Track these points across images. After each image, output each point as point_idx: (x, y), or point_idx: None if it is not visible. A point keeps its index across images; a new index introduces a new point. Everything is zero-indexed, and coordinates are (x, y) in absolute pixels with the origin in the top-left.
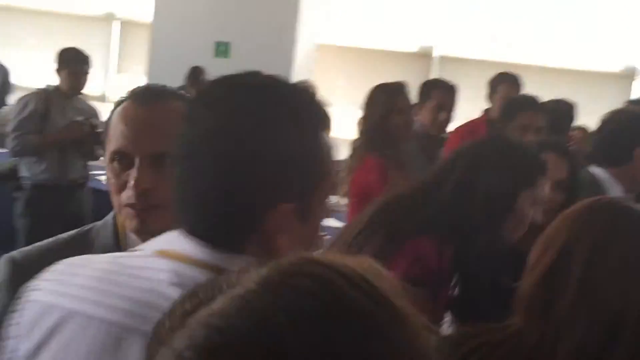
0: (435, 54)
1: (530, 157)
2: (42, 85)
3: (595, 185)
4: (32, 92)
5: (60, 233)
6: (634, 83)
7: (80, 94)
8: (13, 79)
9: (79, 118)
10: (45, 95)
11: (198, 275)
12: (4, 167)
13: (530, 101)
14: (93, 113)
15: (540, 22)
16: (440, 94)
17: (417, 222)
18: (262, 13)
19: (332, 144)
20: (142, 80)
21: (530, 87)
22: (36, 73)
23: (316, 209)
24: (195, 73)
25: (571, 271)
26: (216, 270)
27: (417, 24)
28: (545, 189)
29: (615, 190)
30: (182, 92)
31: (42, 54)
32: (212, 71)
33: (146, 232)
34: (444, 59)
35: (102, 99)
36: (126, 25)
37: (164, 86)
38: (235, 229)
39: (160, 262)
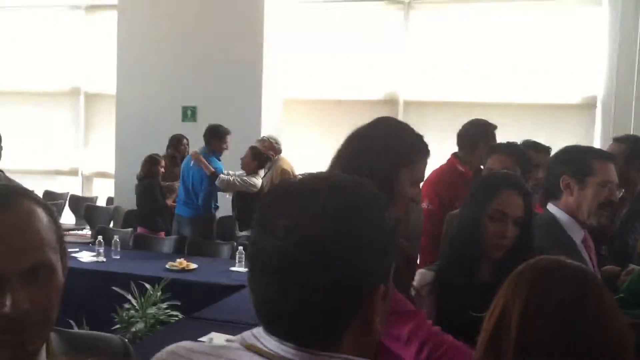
0: (401, 99)
1: (410, 137)
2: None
3: (555, 225)
4: None
5: None
6: (596, 112)
7: None
8: None
9: None
10: None
11: None
12: None
13: (502, 147)
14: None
15: (499, 60)
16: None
17: None
18: (226, 75)
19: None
20: (111, 151)
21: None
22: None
23: (390, 284)
24: (176, 140)
25: (509, 334)
26: None
27: (381, 72)
28: (424, 171)
29: (572, 227)
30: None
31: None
32: (181, 134)
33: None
34: (408, 104)
35: (72, 173)
36: (91, 98)
37: (6, 185)
38: (341, 320)
39: (254, 357)
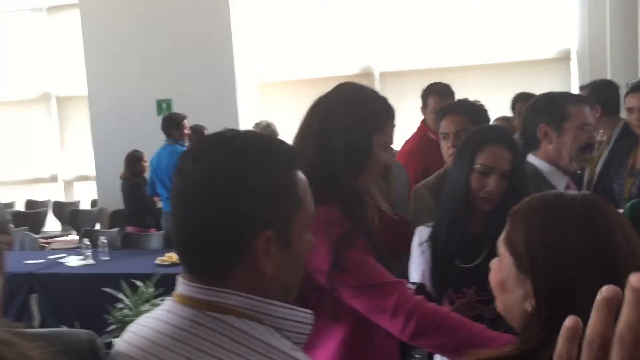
0: (376, 71)
1: (377, 102)
2: None
3: (537, 176)
4: None
5: None
6: (570, 65)
7: None
8: None
9: None
10: None
11: (186, 311)
12: None
13: (453, 107)
14: None
15: (472, 21)
16: None
17: None
18: (199, 64)
19: (304, 180)
20: (89, 153)
21: (471, 86)
22: None
23: (296, 238)
24: (198, 131)
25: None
26: (199, 302)
27: (354, 46)
28: (392, 133)
29: (554, 175)
30: None
31: None
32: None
33: None
34: (384, 75)
35: (52, 179)
36: (63, 101)
37: None
38: (225, 258)
39: (167, 302)
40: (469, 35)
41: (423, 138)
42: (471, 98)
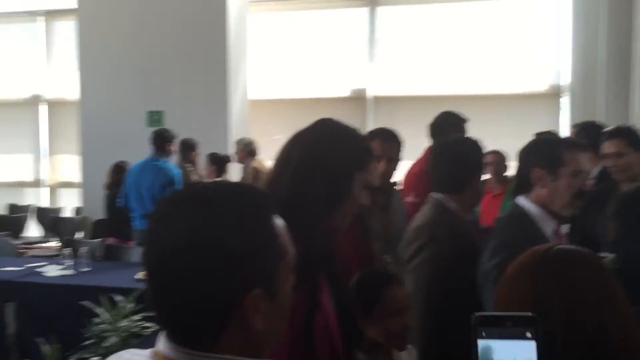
0: (369, 95)
1: (360, 140)
2: None
3: (525, 219)
4: None
5: None
6: (561, 100)
7: None
8: None
9: None
10: None
11: None
12: None
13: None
14: None
15: (468, 52)
16: (376, 144)
17: None
18: (192, 78)
19: (282, 224)
20: (76, 159)
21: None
22: None
23: (282, 287)
24: (188, 145)
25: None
26: None
27: (348, 69)
28: (375, 172)
29: (543, 220)
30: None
31: None
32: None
33: None
34: (377, 99)
35: (36, 184)
36: (53, 105)
37: None
38: (212, 324)
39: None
40: (465, 65)
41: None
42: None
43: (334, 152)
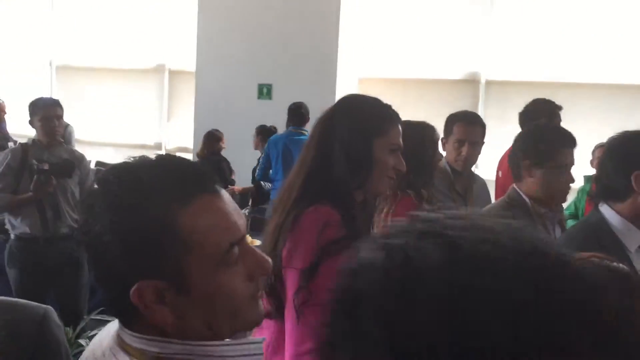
0: (482, 79)
1: (374, 107)
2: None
3: (601, 229)
4: (13, 147)
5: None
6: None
7: (58, 141)
8: (77, 134)
9: (35, 164)
10: (22, 149)
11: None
12: None
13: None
14: (78, 158)
15: (589, 38)
16: (460, 128)
17: (300, 197)
18: (302, 53)
19: (204, 213)
20: (190, 126)
21: (580, 105)
22: (97, 127)
23: (198, 280)
24: (213, 137)
25: None
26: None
27: (463, 50)
28: (399, 138)
29: (627, 233)
30: None
31: (102, 109)
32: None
33: None
34: (490, 84)
35: (158, 147)
36: (174, 75)
37: None
38: (119, 308)
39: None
40: (583, 51)
41: None
42: (587, 117)
43: (348, 121)
